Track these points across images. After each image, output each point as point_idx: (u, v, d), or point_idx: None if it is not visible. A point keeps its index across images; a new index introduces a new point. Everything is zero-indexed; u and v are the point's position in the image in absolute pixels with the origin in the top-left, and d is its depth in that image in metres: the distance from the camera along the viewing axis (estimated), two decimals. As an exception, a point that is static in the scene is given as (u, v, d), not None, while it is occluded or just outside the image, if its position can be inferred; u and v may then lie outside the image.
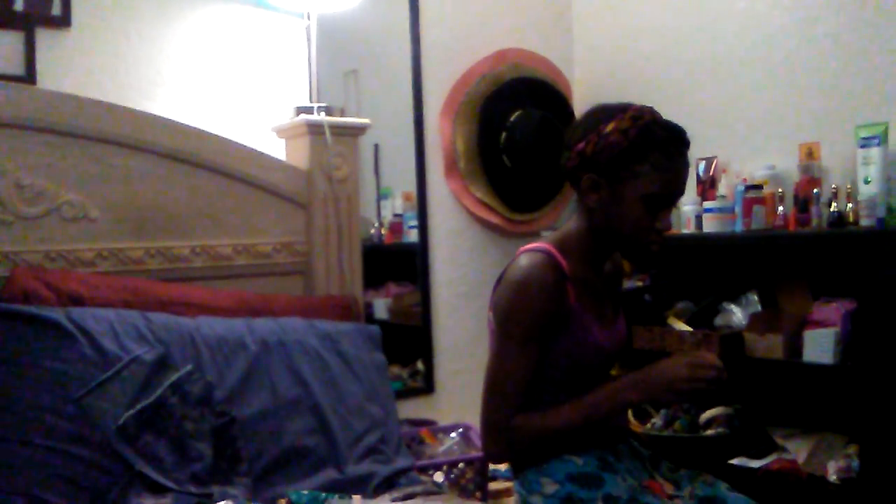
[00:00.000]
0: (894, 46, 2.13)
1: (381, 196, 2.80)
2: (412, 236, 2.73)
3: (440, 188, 2.73)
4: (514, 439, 1.46)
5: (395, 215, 2.79)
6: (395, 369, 2.65)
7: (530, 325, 1.46)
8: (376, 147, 2.72)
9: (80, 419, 1.51)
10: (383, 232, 2.78)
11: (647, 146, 1.43)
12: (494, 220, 2.78)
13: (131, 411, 1.53)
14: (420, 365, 2.71)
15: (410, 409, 2.52)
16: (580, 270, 1.52)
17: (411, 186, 2.71)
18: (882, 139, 2.03)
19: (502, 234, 2.85)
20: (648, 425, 2.45)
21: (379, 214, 2.77)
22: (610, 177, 1.45)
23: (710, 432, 2.31)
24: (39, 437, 1.48)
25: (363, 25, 2.62)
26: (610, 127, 1.45)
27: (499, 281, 1.56)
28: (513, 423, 1.46)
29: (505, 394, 1.46)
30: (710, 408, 2.36)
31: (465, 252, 2.78)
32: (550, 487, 1.48)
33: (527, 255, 1.51)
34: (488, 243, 2.82)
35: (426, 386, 2.66)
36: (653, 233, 1.46)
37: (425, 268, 2.71)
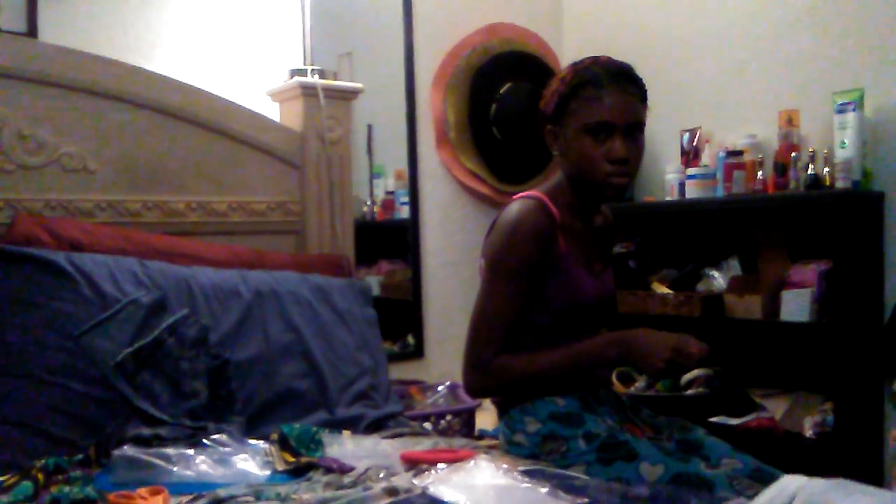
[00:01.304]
0: (868, 16, 2.21)
1: (374, 175, 2.85)
2: (404, 213, 2.78)
3: (431, 160, 2.78)
4: (496, 376, 1.53)
5: (388, 192, 2.85)
6: (387, 344, 2.69)
7: (519, 267, 1.52)
8: (370, 127, 2.77)
9: (80, 356, 1.56)
10: (375, 210, 2.83)
11: (579, 85, 1.51)
12: (484, 190, 2.84)
13: (129, 349, 1.58)
14: (410, 339, 2.76)
15: (401, 372, 2.58)
16: (570, 219, 1.59)
17: (403, 165, 2.76)
18: (857, 105, 2.10)
19: (492, 205, 2.90)
20: (632, 388, 2.51)
21: (371, 193, 2.82)
22: (559, 122, 1.54)
23: (690, 392, 2.38)
24: (40, 372, 1.53)
25: (356, 11, 2.68)
26: (556, 78, 1.57)
27: (491, 227, 1.63)
28: (497, 362, 1.52)
29: (490, 330, 1.53)
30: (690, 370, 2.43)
31: (455, 222, 2.84)
32: (533, 426, 1.55)
33: (519, 201, 1.58)
34: (478, 214, 2.88)
35: (416, 350, 2.72)
36: (604, 163, 1.50)
37: (416, 240, 2.76)
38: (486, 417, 2.21)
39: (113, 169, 1.88)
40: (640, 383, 2.51)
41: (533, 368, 1.53)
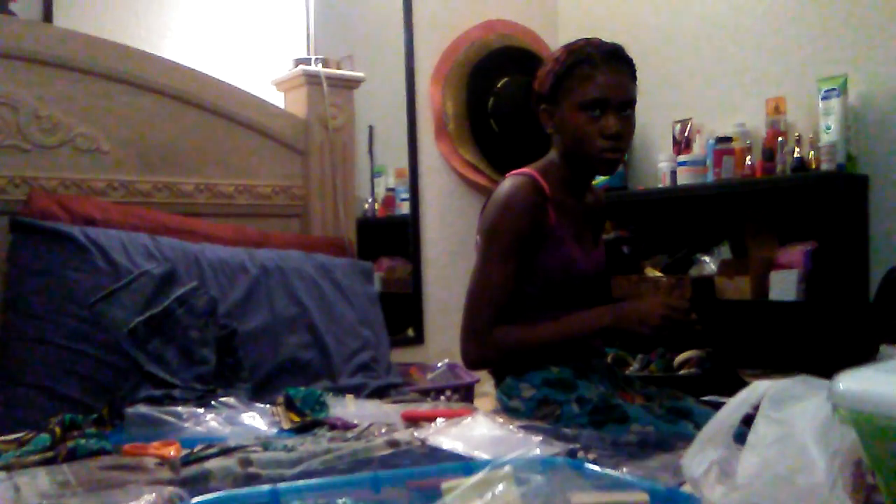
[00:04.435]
0: (851, 5, 2.30)
1: (375, 174, 2.93)
2: (404, 209, 2.85)
3: (431, 153, 2.86)
4: (492, 347, 1.59)
5: (388, 189, 2.92)
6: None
7: (512, 240, 1.59)
8: (371, 128, 2.85)
9: (94, 323, 1.62)
10: (376, 207, 2.90)
11: (574, 63, 1.58)
12: (482, 181, 2.91)
13: (140, 318, 1.65)
14: (411, 332, 2.82)
15: (401, 356, 2.63)
16: (560, 195, 1.66)
17: (404, 163, 2.84)
18: (841, 91, 2.18)
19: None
20: (627, 371, 2.57)
21: (372, 191, 2.90)
22: (554, 101, 1.61)
23: (683, 372, 2.44)
24: (57, 338, 1.59)
25: (357, 14, 2.76)
26: (549, 60, 1.64)
27: (485, 204, 1.70)
28: (494, 332, 1.58)
29: (486, 302, 1.59)
30: (683, 351, 2.49)
31: (453, 213, 2.91)
32: (528, 392, 1.61)
33: (511, 178, 1.65)
34: (476, 204, 2.93)
35: (416, 336, 2.79)
36: (599, 138, 1.56)
37: (416, 231, 2.83)
38: (485, 403, 2.26)
39: (125, 150, 1.96)
40: (635, 366, 2.57)
41: (529, 338, 1.59)
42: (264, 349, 1.79)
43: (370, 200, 2.89)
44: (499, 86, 2.89)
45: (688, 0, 2.75)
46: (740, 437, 0.78)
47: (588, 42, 1.64)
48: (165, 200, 2.02)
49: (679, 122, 2.69)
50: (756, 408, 0.73)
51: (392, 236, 2.89)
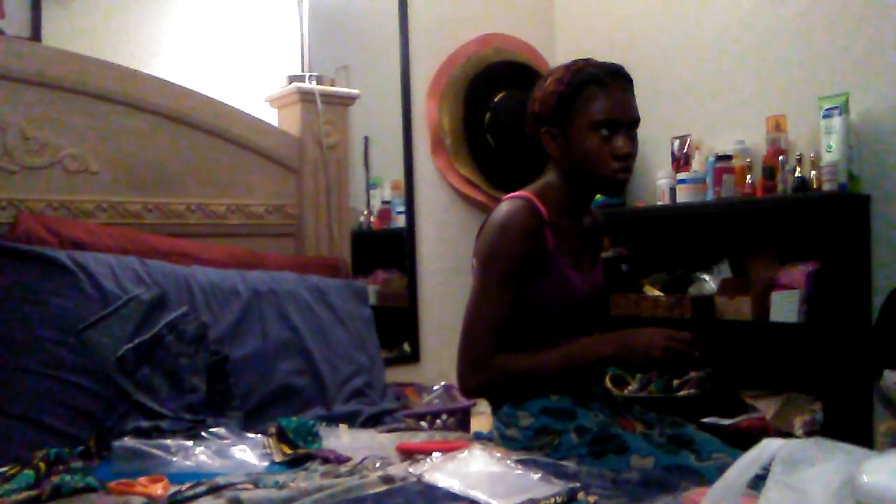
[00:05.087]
0: (853, 23, 2.27)
1: (371, 186, 2.89)
2: (400, 222, 2.82)
3: (427, 167, 2.83)
4: (490, 376, 1.55)
5: (384, 202, 2.88)
6: (382, 353, 2.72)
7: (509, 266, 1.55)
8: (366, 139, 2.82)
9: (81, 351, 1.58)
10: (372, 219, 2.87)
11: (581, 84, 1.54)
12: (478, 196, 2.88)
13: (129, 345, 1.61)
14: (406, 347, 2.79)
15: (397, 375, 2.60)
16: (558, 218, 1.62)
17: (400, 175, 2.80)
18: (843, 109, 2.15)
19: (486, 211, 2.93)
20: (626, 391, 2.54)
21: (368, 203, 2.86)
22: (559, 122, 1.57)
23: (683, 393, 2.41)
24: (42, 367, 1.55)
25: (353, 11, 2.73)
26: (549, 81, 1.59)
27: (482, 227, 1.66)
28: (492, 361, 1.55)
29: (483, 330, 1.55)
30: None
31: (449, 228, 2.88)
32: (526, 420, 1.57)
33: (508, 201, 1.61)
34: (472, 220, 2.92)
35: (412, 355, 2.75)
36: (612, 159, 1.54)
37: (412, 246, 2.80)
38: (482, 421, 2.23)
39: (114, 171, 1.92)
40: (634, 385, 2.54)
41: (528, 367, 1.55)
42: (256, 375, 1.76)
43: (366, 213, 2.86)
44: (495, 100, 2.86)
45: (687, 14, 2.72)
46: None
47: (587, 62, 1.60)
48: (156, 221, 1.98)
49: (678, 138, 2.66)
50: (766, 468, 0.69)
51: (387, 249, 2.86)
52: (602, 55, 2.93)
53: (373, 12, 2.79)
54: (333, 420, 1.70)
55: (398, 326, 2.77)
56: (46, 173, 1.83)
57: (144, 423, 1.52)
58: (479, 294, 1.58)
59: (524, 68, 2.94)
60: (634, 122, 1.58)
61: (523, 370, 1.55)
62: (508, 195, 1.65)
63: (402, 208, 2.81)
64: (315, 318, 1.91)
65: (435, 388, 2.21)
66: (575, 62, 1.61)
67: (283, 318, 1.86)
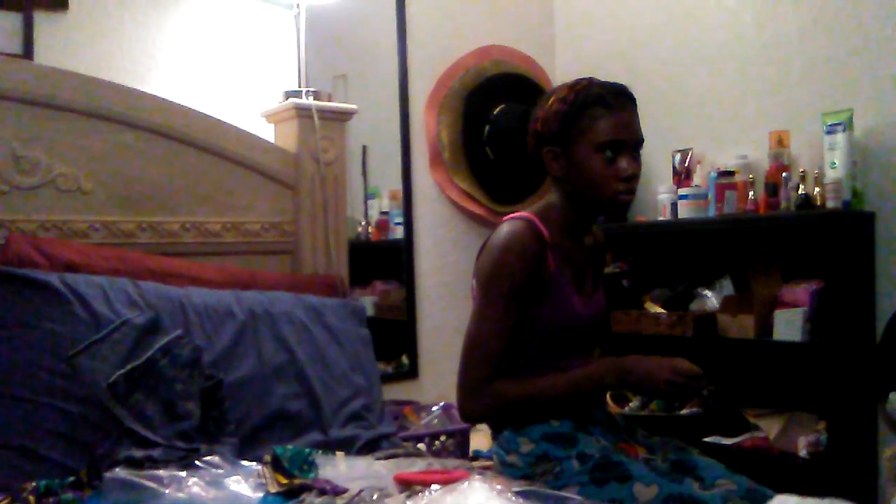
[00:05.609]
0: (857, 38, 2.24)
1: (369, 196, 2.86)
2: (398, 233, 2.79)
3: (425, 180, 2.80)
4: (492, 402, 1.52)
5: (382, 213, 2.86)
6: (381, 365, 2.69)
7: (510, 289, 1.52)
8: (364, 148, 2.79)
9: (72, 377, 1.55)
10: (370, 230, 2.84)
11: (586, 103, 1.51)
12: (478, 210, 2.85)
13: (121, 371, 1.57)
14: (405, 359, 2.76)
15: (395, 392, 2.57)
16: (560, 239, 1.59)
17: (398, 186, 2.78)
18: (847, 125, 2.12)
19: (485, 225, 2.92)
20: (627, 408, 2.51)
21: (366, 213, 2.83)
22: (563, 142, 1.54)
23: (684, 412, 2.38)
24: (32, 393, 1.52)
25: (351, 24, 2.70)
26: (551, 100, 1.56)
27: (482, 248, 1.63)
28: (492, 387, 1.52)
29: (483, 355, 1.52)
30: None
31: (448, 242, 2.85)
32: (526, 447, 1.54)
33: (509, 222, 1.58)
34: (472, 234, 2.89)
35: (410, 370, 2.72)
36: (616, 181, 1.51)
37: (410, 259, 2.77)
38: (481, 438, 2.21)
39: (107, 190, 1.89)
40: (635, 403, 2.51)
41: (529, 395, 1.52)
42: (252, 400, 1.72)
43: (364, 223, 2.83)
44: (495, 113, 2.83)
45: (688, 26, 2.69)
46: None
47: (591, 82, 1.57)
48: (150, 241, 1.95)
49: (679, 151, 2.63)
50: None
51: (386, 260, 2.83)
52: (602, 66, 2.94)
53: (370, 24, 2.76)
54: (330, 446, 1.66)
55: (397, 339, 2.74)
56: (38, 193, 1.80)
57: (137, 453, 1.48)
58: (479, 318, 1.55)
59: (523, 80, 2.92)
60: (639, 142, 1.55)
61: (524, 397, 1.53)
62: (509, 216, 1.63)
63: (400, 219, 2.78)
64: (312, 339, 1.88)
65: (434, 408, 2.17)
66: (579, 81, 1.58)
67: (278, 340, 1.82)
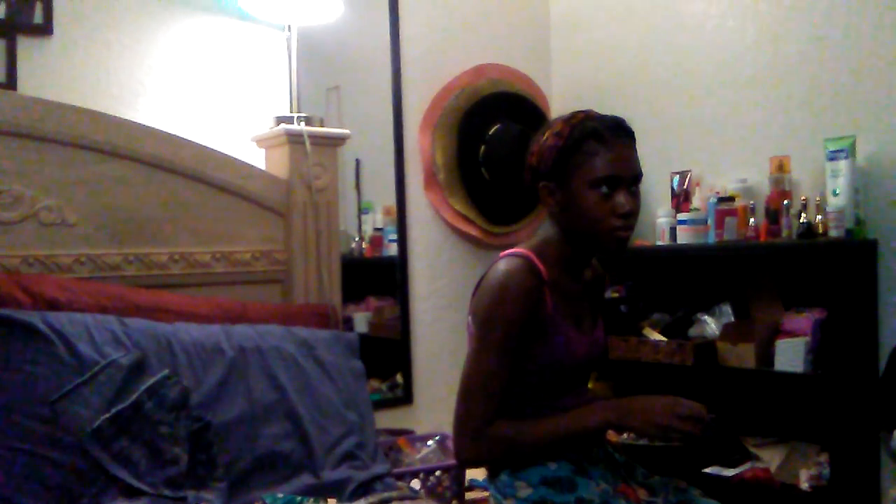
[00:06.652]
0: (860, 62, 2.20)
1: (362, 210, 2.81)
2: (392, 250, 2.74)
3: (420, 201, 2.75)
4: (488, 446, 1.47)
5: (376, 229, 2.81)
6: (375, 383, 2.66)
7: (508, 330, 1.48)
8: (357, 162, 2.74)
9: (55, 422, 1.50)
10: (364, 246, 2.79)
11: (581, 138, 1.47)
12: (473, 232, 2.81)
13: (106, 415, 1.53)
14: (399, 378, 2.72)
15: (389, 419, 2.53)
16: (558, 276, 1.55)
17: (392, 201, 2.73)
18: (849, 152, 2.08)
19: (481, 247, 2.88)
20: (624, 436, 2.47)
21: (360, 229, 2.79)
22: (558, 178, 1.50)
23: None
24: (13, 440, 1.47)
25: (344, 40, 2.65)
26: (546, 134, 1.52)
27: (478, 285, 1.59)
28: (489, 431, 1.47)
29: (481, 398, 1.48)
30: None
31: (444, 264, 2.81)
32: (524, 491, 1.50)
33: (506, 259, 1.54)
34: (467, 255, 2.85)
35: (405, 397, 2.67)
36: (613, 217, 1.46)
37: (404, 280, 2.72)
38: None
39: (93, 222, 1.84)
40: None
41: (527, 436, 1.48)
42: (241, 441, 1.68)
43: (357, 239, 2.78)
44: (490, 133, 2.78)
45: (687, 45, 2.65)
46: None
47: (587, 115, 1.53)
48: (137, 273, 1.90)
49: (678, 173, 2.59)
50: None
51: (380, 276, 2.78)
52: (600, 85, 2.90)
53: (364, 45, 2.71)
54: (322, 491, 1.62)
55: (391, 357, 2.70)
56: (21, 227, 1.75)
57: (123, 502, 1.43)
58: (476, 359, 1.51)
59: (520, 99, 2.87)
60: (636, 178, 1.51)
61: (521, 440, 1.48)
62: (505, 252, 1.58)
63: (394, 236, 2.74)
64: (303, 375, 1.83)
65: (429, 442, 2.13)
66: (574, 115, 1.54)
67: (269, 377, 1.78)
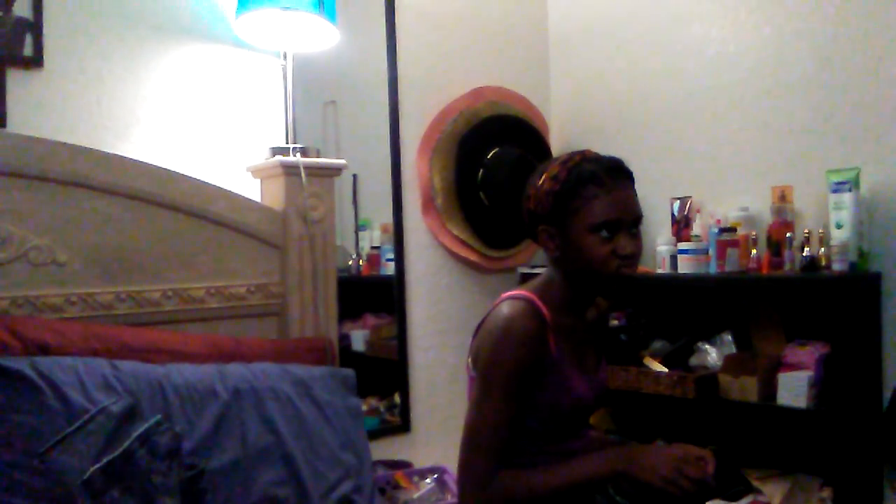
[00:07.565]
0: (865, 92, 2.17)
1: (360, 227, 2.78)
2: (389, 269, 2.72)
3: (417, 225, 2.72)
4: (494, 496, 1.45)
5: (373, 247, 2.78)
6: (373, 401, 2.63)
7: (512, 377, 1.45)
8: (355, 178, 2.71)
9: (44, 474, 1.46)
10: (361, 263, 2.76)
11: (578, 182, 1.45)
12: (472, 257, 2.77)
13: (97, 465, 1.49)
14: (397, 398, 2.69)
15: (386, 448, 2.50)
16: (561, 318, 1.53)
17: (389, 218, 2.70)
18: (854, 184, 2.05)
19: (480, 271, 2.85)
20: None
21: (357, 246, 2.76)
22: (557, 222, 1.48)
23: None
24: (0, 494, 1.44)
25: (341, 64, 2.62)
26: (543, 178, 1.50)
27: (479, 328, 1.56)
28: (494, 482, 1.44)
29: (486, 447, 1.46)
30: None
31: (442, 289, 2.78)
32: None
33: (508, 303, 1.51)
34: (466, 280, 2.82)
35: (403, 424, 2.64)
36: (615, 259, 1.44)
37: (402, 303, 2.69)
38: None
39: (83, 260, 1.80)
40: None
41: (533, 486, 1.46)
42: (235, 488, 1.64)
43: (354, 257, 2.75)
44: (489, 156, 2.75)
45: (687, 69, 2.62)
46: None
47: (584, 157, 1.51)
48: (130, 311, 1.87)
49: (678, 199, 2.56)
50: None
51: (377, 295, 2.75)
52: (599, 108, 2.86)
53: (360, 65, 2.67)
54: (318, 540, 1.58)
55: (389, 377, 2.68)
56: (10, 268, 1.71)
57: (111, 560, 1.40)
58: (479, 407, 1.48)
59: (519, 122, 2.84)
60: (637, 219, 1.49)
61: (527, 490, 1.46)
62: (507, 294, 1.56)
63: (391, 255, 2.71)
64: (298, 416, 1.79)
65: (428, 480, 2.09)
66: (571, 157, 1.51)
67: (264, 420, 1.74)
